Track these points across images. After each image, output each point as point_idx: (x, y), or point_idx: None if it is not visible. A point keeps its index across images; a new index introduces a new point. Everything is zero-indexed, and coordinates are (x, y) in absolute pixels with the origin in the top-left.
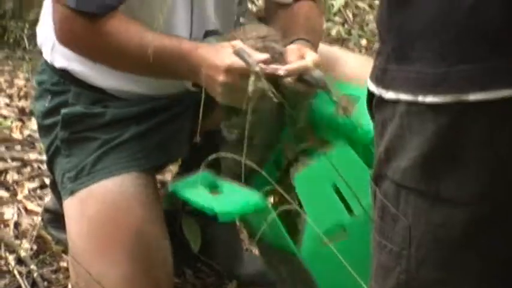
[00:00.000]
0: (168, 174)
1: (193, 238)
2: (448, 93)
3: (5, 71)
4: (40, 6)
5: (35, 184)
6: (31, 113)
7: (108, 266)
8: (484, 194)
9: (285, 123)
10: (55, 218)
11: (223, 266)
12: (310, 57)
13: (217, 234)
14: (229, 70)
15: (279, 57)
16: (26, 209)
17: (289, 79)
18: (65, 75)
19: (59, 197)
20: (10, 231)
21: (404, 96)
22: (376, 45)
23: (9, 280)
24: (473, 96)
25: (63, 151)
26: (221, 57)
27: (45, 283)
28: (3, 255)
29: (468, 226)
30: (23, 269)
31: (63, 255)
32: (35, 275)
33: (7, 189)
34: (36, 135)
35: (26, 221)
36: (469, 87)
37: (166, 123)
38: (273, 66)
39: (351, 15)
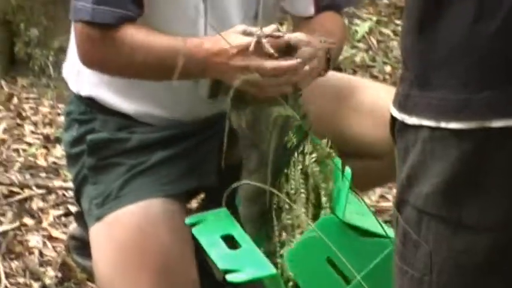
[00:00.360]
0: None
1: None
2: (471, 119)
3: (30, 98)
4: (64, 34)
5: (59, 211)
6: (56, 140)
7: None
8: (507, 220)
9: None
10: (81, 245)
11: None
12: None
13: None
14: (238, 50)
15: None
16: (50, 237)
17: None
18: (91, 103)
19: (84, 227)
20: (35, 258)
21: (427, 122)
22: (400, 72)
23: None
24: (495, 123)
25: (90, 179)
26: (228, 41)
27: None
28: (28, 282)
29: (491, 253)
30: None
31: (88, 282)
32: None
33: (32, 216)
34: (61, 162)
35: (50, 249)
36: (491, 114)
37: (193, 149)
38: (278, 33)
39: (375, 42)
